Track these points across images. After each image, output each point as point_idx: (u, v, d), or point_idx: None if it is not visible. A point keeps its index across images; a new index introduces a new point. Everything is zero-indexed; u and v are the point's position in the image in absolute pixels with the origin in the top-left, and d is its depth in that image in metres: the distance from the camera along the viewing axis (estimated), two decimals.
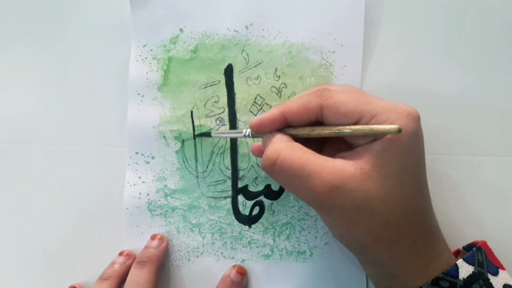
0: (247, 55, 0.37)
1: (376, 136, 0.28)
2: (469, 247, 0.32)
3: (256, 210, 0.37)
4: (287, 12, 0.37)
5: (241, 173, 0.37)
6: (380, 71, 0.37)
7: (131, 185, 0.37)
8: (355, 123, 0.28)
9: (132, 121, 0.38)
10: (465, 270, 0.28)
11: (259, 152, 0.35)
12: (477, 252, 0.30)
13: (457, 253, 0.33)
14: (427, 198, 0.30)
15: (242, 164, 0.37)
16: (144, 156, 0.38)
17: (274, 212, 0.37)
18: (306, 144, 0.29)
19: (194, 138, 0.37)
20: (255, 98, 0.37)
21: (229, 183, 0.37)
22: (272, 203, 0.37)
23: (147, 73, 0.38)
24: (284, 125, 0.31)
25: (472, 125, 0.36)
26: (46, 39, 0.39)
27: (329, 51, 0.37)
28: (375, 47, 0.37)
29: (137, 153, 0.38)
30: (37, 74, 0.39)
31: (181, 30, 0.38)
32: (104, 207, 0.38)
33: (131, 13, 0.37)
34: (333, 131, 0.29)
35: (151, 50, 0.38)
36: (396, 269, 0.29)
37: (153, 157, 0.38)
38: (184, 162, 0.37)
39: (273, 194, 0.37)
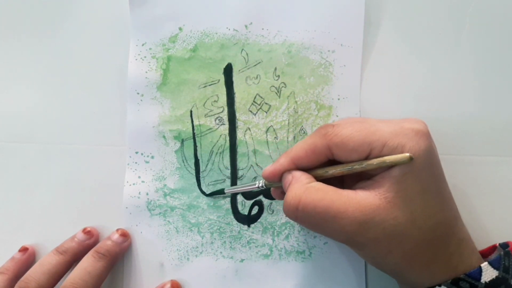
0: (247, 54, 0.37)
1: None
2: (505, 245, 0.31)
3: (255, 210, 0.37)
4: (286, 11, 0.37)
5: (240, 173, 0.37)
6: (379, 71, 0.37)
7: (130, 185, 0.37)
8: (367, 156, 0.28)
9: (131, 120, 0.37)
10: (488, 274, 0.28)
11: (281, 195, 0.34)
12: (505, 257, 0.29)
13: (493, 249, 0.32)
14: (455, 211, 0.29)
15: (241, 164, 0.37)
16: (144, 156, 0.38)
17: (273, 211, 0.37)
18: (326, 180, 0.29)
19: (194, 138, 0.37)
20: (255, 98, 0.37)
21: (228, 182, 0.37)
22: (271, 203, 0.37)
23: (146, 72, 0.37)
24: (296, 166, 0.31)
25: (472, 125, 0.36)
26: (45, 38, 0.39)
27: (328, 51, 0.37)
28: (374, 47, 0.37)
29: (136, 152, 0.38)
30: (36, 74, 0.39)
31: (180, 29, 0.37)
32: (103, 206, 0.38)
33: (130, 11, 0.37)
34: (345, 169, 0.29)
35: (150, 49, 0.38)
36: (429, 284, 0.28)
37: (152, 157, 0.38)
38: (183, 162, 0.37)
39: None
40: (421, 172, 0.27)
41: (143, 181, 0.37)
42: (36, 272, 0.34)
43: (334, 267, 0.36)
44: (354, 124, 0.29)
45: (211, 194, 0.37)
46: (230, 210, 0.37)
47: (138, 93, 0.38)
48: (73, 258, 0.36)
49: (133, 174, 0.37)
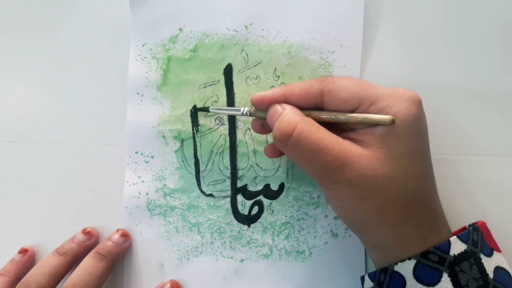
0: (247, 54, 0.37)
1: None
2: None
3: (255, 210, 0.37)
4: (286, 12, 0.37)
5: (240, 173, 0.37)
6: (379, 72, 0.37)
7: (130, 185, 0.37)
8: (354, 109, 0.29)
9: (131, 120, 0.38)
10: (457, 247, 0.28)
11: (260, 128, 0.34)
12: (473, 232, 0.29)
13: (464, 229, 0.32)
14: (433, 182, 0.30)
15: (241, 164, 0.37)
16: (144, 156, 0.38)
17: (273, 211, 0.37)
18: None
19: (194, 138, 0.37)
20: None
21: (228, 182, 0.37)
22: (271, 203, 0.37)
23: (146, 72, 0.38)
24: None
25: (472, 125, 0.36)
26: (45, 39, 0.39)
27: (328, 51, 0.37)
28: (374, 47, 0.37)
29: (136, 152, 0.38)
30: (37, 74, 0.39)
31: (180, 29, 0.38)
32: (103, 206, 0.38)
33: (130, 12, 0.37)
34: (329, 116, 0.30)
35: (150, 49, 0.38)
36: (399, 250, 0.29)
37: (152, 157, 0.38)
38: (183, 162, 0.37)
39: (272, 193, 0.37)
40: (407, 136, 0.28)
41: (143, 181, 0.37)
42: (36, 274, 0.34)
43: (334, 267, 0.36)
44: (353, 79, 0.30)
45: (198, 110, 0.37)
46: (230, 210, 0.37)
47: (138, 93, 0.38)
48: (74, 259, 0.36)
49: (133, 174, 0.37)
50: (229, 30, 0.37)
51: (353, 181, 0.28)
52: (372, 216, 0.28)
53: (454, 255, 0.28)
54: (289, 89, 0.31)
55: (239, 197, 0.37)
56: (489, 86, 0.36)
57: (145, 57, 0.38)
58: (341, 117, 0.29)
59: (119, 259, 0.37)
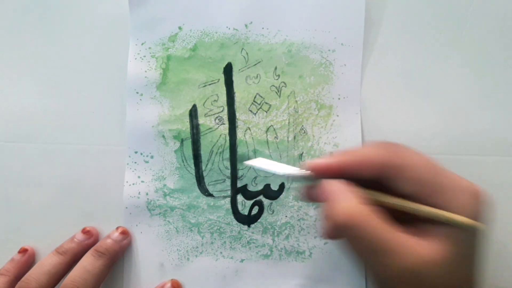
0: (247, 53, 0.37)
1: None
2: None
3: (255, 210, 0.37)
4: (287, 10, 0.37)
5: (240, 173, 0.37)
6: (380, 70, 0.37)
7: (130, 185, 0.37)
8: (428, 195, 0.26)
9: (131, 120, 0.37)
10: None
11: (312, 198, 0.30)
12: None
13: None
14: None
15: (241, 164, 0.37)
16: (143, 156, 0.37)
17: (273, 212, 0.37)
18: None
19: (193, 138, 0.37)
20: (255, 97, 0.37)
21: (228, 182, 0.37)
22: (271, 203, 0.37)
23: (145, 71, 0.37)
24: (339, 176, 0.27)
25: (472, 125, 0.36)
26: (44, 38, 0.39)
27: (329, 50, 0.37)
28: (375, 46, 0.37)
29: (136, 152, 0.37)
30: (36, 73, 0.39)
31: (180, 28, 0.37)
32: (103, 206, 0.38)
33: (130, 11, 0.37)
34: (398, 204, 0.26)
35: (149, 48, 0.37)
36: None
37: (152, 157, 0.37)
38: (183, 162, 0.37)
39: (272, 193, 0.37)
40: (476, 243, 0.26)
41: (142, 181, 0.37)
42: (36, 273, 0.34)
43: (334, 267, 0.36)
44: (424, 156, 0.27)
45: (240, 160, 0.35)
46: (230, 210, 0.37)
47: (137, 93, 0.37)
48: (73, 259, 0.36)
49: (133, 174, 0.37)
50: (229, 28, 0.37)
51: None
52: None
53: None
54: (346, 158, 0.27)
55: (239, 197, 0.37)
56: (489, 85, 0.36)
57: (144, 56, 0.37)
58: (412, 207, 0.26)
59: (118, 257, 0.37)
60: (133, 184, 0.37)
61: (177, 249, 0.37)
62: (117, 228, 0.37)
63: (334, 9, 0.36)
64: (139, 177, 0.37)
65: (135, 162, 0.37)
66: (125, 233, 0.37)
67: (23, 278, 0.34)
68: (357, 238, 0.25)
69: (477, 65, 0.36)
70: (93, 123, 0.38)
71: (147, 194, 0.37)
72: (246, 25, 0.37)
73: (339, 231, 0.26)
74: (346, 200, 0.26)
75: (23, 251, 0.37)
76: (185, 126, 0.37)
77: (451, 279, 0.25)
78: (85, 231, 0.37)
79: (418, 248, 0.25)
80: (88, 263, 0.34)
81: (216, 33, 0.37)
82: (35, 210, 0.39)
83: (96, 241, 0.37)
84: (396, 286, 0.26)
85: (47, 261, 0.35)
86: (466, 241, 0.26)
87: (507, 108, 0.36)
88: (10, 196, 0.39)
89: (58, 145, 0.39)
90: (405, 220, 0.27)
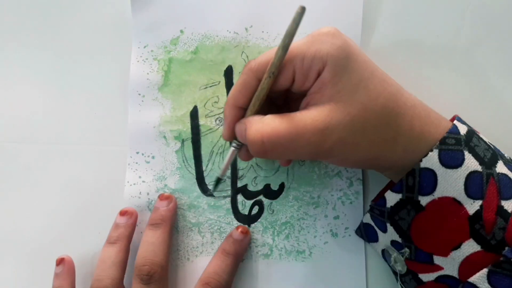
0: (247, 56, 0.38)
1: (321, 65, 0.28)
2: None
3: (255, 210, 0.37)
4: (286, 14, 0.37)
5: (240, 173, 0.37)
6: None
7: (131, 185, 0.38)
8: (293, 74, 0.29)
9: (132, 121, 0.38)
10: (462, 128, 0.30)
11: (246, 155, 0.33)
12: (460, 120, 0.31)
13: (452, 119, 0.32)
14: (396, 84, 0.30)
15: (241, 164, 0.37)
16: (144, 156, 0.38)
17: (273, 211, 0.37)
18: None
19: (194, 138, 0.38)
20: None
21: (228, 182, 0.37)
22: (271, 203, 0.37)
23: (147, 73, 0.38)
24: (243, 112, 0.31)
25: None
26: (47, 40, 0.40)
27: None
28: (372, 49, 0.37)
29: (137, 152, 0.38)
30: (38, 75, 0.40)
31: (181, 31, 0.38)
32: (104, 206, 0.38)
33: (132, 14, 0.38)
34: (261, 87, 0.29)
35: (151, 51, 0.38)
36: (415, 154, 0.29)
37: (153, 157, 0.38)
38: (183, 162, 0.38)
39: (272, 193, 0.37)
40: (348, 66, 0.28)
41: (143, 181, 0.38)
42: (103, 270, 0.34)
43: (334, 266, 0.36)
44: (273, 50, 0.29)
45: (214, 189, 0.36)
46: (231, 210, 0.37)
47: (139, 94, 0.38)
48: (128, 242, 0.36)
49: (134, 174, 0.38)
50: (230, 32, 0.38)
51: (341, 136, 0.28)
52: (373, 150, 0.29)
53: (464, 134, 0.29)
54: (232, 97, 0.31)
55: (239, 197, 0.37)
56: (488, 84, 0.37)
57: (147, 59, 0.38)
58: (266, 76, 0.29)
59: (173, 221, 0.37)
60: (134, 184, 0.38)
61: (177, 249, 0.37)
62: (160, 197, 0.36)
63: (332, 13, 0.37)
64: (140, 177, 0.38)
65: (136, 162, 0.38)
66: (168, 198, 0.36)
67: (94, 278, 0.34)
68: (275, 143, 0.28)
69: (475, 66, 0.37)
70: (95, 124, 0.39)
71: (148, 194, 0.38)
72: (246, 29, 0.38)
73: (263, 149, 0.28)
74: (252, 123, 0.29)
75: (60, 261, 0.37)
76: (186, 126, 0.38)
77: (353, 110, 0.28)
78: (123, 213, 0.36)
79: (316, 111, 0.28)
80: (149, 237, 0.35)
81: (217, 36, 0.38)
82: (36, 210, 0.39)
83: (137, 217, 0.37)
84: (324, 148, 0.28)
85: (106, 255, 0.35)
86: (339, 76, 0.28)
87: (507, 108, 0.37)
88: (11, 196, 0.39)
89: (60, 145, 0.39)
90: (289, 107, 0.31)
